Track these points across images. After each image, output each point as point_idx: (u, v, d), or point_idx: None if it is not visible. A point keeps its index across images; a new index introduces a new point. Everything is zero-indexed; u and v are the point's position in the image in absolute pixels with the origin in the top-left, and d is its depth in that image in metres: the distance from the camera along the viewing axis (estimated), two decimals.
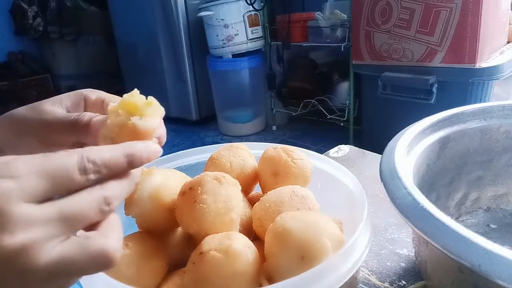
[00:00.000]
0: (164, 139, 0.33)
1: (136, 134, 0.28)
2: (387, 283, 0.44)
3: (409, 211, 0.33)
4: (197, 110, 2.69)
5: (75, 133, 0.31)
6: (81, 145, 0.32)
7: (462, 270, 0.32)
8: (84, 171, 0.23)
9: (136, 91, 0.30)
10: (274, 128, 2.51)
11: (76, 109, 0.34)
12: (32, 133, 0.31)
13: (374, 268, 0.46)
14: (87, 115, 0.31)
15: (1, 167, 0.21)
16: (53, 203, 0.22)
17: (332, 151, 0.77)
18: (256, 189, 0.47)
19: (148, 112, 0.29)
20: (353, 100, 2.00)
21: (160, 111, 0.30)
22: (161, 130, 0.32)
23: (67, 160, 0.22)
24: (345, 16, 1.97)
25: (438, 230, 0.30)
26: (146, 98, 0.30)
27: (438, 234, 0.29)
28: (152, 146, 0.27)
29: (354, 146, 0.78)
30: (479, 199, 0.54)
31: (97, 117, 0.31)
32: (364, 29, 1.63)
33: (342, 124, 2.11)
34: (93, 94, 0.34)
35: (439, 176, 0.50)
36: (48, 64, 3.31)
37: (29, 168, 0.21)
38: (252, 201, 0.41)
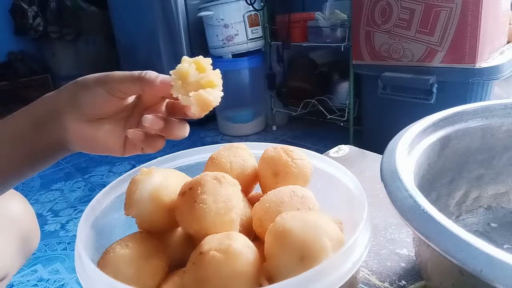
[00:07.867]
0: None
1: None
2: (387, 283, 0.44)
3: (410, 214, 0.33)
4: None
5: (140, 85, 0.36)
6: (139, 96, 0.40)
7: (463, 273, 0.31)
8: None
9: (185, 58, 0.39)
10: (274, 128, 2.51)
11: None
12: (100, 84, 0.37)
13: (374, 268, 0.46)
14: (151, 72, 0.37)
15: None
16: None
17: (332, 151, 0.77)
18: (256, 189, 0.47)
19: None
20: (353, 100, 2.00)
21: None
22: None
23: None
24: (345, 16, 1.97)
25: (439, 234, 0.29)
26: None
27: (439, 238, 0.29)
28: None
29: (354, 146, 0.78)
30: (479, 197, 0.54)
31: (162, 75, 0.38)
32: (364, 29, 1.63)
33: (342, 124, 2.11)
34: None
35: (440, 175, 0.50)
36: (48, 64, 3.31)
37: None
38: (252, 201, 0.41)
